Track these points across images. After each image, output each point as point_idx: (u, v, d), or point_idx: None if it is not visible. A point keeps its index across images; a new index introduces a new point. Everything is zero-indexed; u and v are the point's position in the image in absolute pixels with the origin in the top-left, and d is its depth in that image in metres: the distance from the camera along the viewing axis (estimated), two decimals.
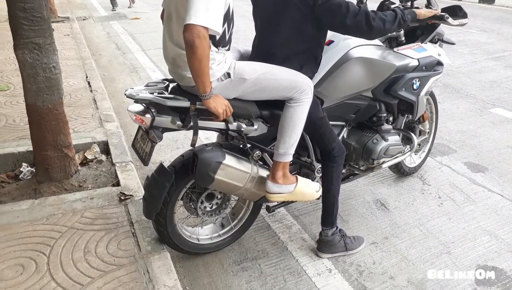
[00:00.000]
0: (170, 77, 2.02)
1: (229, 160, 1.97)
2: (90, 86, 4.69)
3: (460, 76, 5.43)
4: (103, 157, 3.18)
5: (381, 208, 2.77)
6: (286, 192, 2.08)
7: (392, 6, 2.43)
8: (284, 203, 2.39)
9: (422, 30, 2.58)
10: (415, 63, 2.45)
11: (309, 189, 2.16)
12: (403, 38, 2.48)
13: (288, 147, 1.99)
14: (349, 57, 2.20)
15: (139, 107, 1.80)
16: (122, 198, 2.58)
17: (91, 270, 2.01)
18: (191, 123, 1.81)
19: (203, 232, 2.34)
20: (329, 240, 2.31)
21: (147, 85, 1.89)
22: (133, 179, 2.84)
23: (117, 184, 2.81)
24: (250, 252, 2.37)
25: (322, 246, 2.33)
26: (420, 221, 2.64)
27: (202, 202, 2.18)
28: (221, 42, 1.79)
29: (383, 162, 2.53)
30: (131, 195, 2.61)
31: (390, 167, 2.95)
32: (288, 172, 2.09)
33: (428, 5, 2.50)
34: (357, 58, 2.21)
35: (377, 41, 2.38)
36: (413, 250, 2.38)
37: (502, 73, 5.61)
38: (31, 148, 2.84)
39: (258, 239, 2.47)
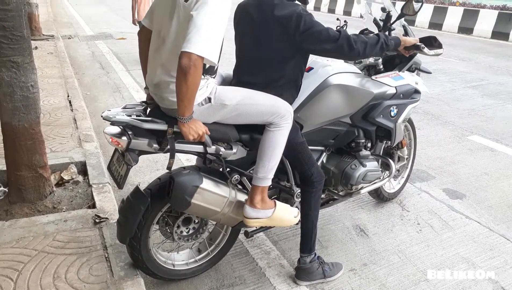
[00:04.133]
0: (147, 99, 2.01)
1: (207, 184, 1.94)
2: (71, 105, 4.63)
3: (439, 104, 5.55)
4: (80, 178, 3.11)
5: (360, 234, 2.76)
6: (264, 217, 2.05)
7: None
8: (263, 229, 2.37)
9: (400, 59, 2.64)
10: (393, 90, 2.49)
11: (287, 214, 2.14)
12: (381, 66, 2.55)
13: (267, 171, 1.98)
14: (328, 84, 2.23)
15: (116, 130, 1.78)
16: (97, 221, 2.52)
17: None
18: (168, 146, 1.80)
19: (179, 258, 2.29)
20: (307, 267, 2.27)
21: (124, 108, 1.87)
22: (109, 201, 2.77)
23: (93, 206, 2.74)
24: (227, 278, 2.32)
25: (300, 273, 2.29)
26: (399, 247, 2.63)
27: (178, 227, 2.14)
28: (209, 71, 1.81)
29: (361, 188, 2.55)
30: (106, 218, 2.55)
31: (370, 193, 2.98)
32: (267, 196, 2.07)
33: (405, 34, 2.57)
34: (335, 85, 2.25)
35: (355, 69, 2.44)
36: (391, 277, 2.37)
37: (480, 101, 5.76)
38: (5, 168, 2.76)
39: (235, 265, 2.42)
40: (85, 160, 3.28)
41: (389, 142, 2.65)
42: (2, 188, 2.85)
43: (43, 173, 2.75)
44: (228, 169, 2.04)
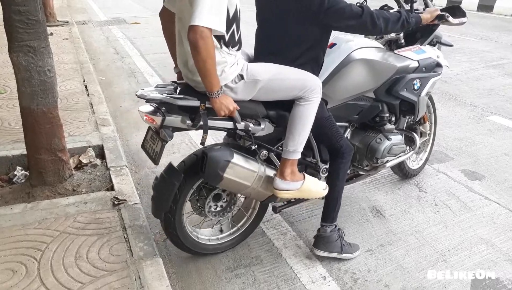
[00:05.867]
0: (177, 79, 2.10)
1: (237, 159, 2.01)
2: (87, 90, 4.67)
3: (458, 84, 5.43)
4: (98, 161, 3.16)
5: (377, 215, 2.75)
6: (294, 189, 2.11)
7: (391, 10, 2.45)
8: (291, 203, 2.42)
9: (421, 33, 2.64)
10: (415, 64, 2.51)
11: (316, 186, 2.19)
12: (402, 41, 2.55)
13: (297, 144, 2.04)
14: (351, 59, 2.26)
15: (150, 108, 1.85)
16: (116, 203, 2.56)
17: (82, 275, 1.98)
18: (201, 122, 1.86)
19: (214, 232, 2.37)
20: (327, 236, 2.30)
21: (157, 87, 1.93)
22: (127, 184, 2.81)
23: (111, 188, 2.79)
24: (244, 258, 2.35)
25: (319, 242, 2.32)
26: (416, 228, 2.61)
27: (209, 202, 2.21)
28: (231, 42, 1.83)
29: (387, 161, 2.59)
30: (124, 200, 2.59)
31: (394, 170, 3.03)
32: (296, 169, 2.13)
33: (426, 6, 2.57)
34: (359, 59, 2.28)
35: (377, 44, 2.45)
36: (408, 258, 2.36)
37: (500, 80, 5.61)
38: (25, 152, 2.81)
39: (252, 246, 2.44)
40: (103, 144, 3.32)
41: (413, 116, 2.67)
42: (23, 171, 2.92)
43: (62, 156, 2.80)
44: (256, 145, 2.09)
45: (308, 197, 2.23)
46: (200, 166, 1.96)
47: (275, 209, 2.40)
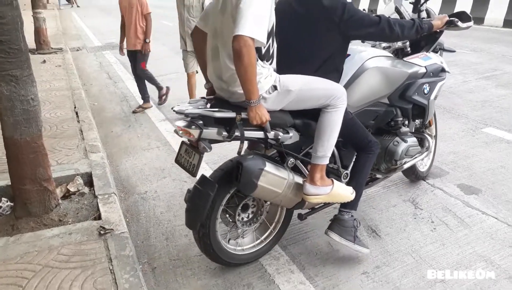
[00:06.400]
0: (206, 95, 2.25)
1: (269, 167, 2.08)
2: (77, 116, 4.64)
3: (451, 96, 5.40)
4: (86, 189, 3.10)
5: (372, 235, 2.67)
6: (324, 194, 2.20)
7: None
8: (315, 209, 2.50)
9: (426, 41, 2.81)
10: (423, 70, 2.67)
11: (344, 191, 2.29)
12: (409, 49, 2.73)
13: (326, 149, 2.14)
14: (365, 68, 2.40)
15: (185, 122, 1.93)
16: (102, 232, 2.48)
17: None
18: (236, 133, 1.94)
19: (246, 241, 2.41)
20: (344, 220, 2.33)
21: (189, 102, 2.04)
22: (115, 212, 2.74)
23: (99, 217, 2.71)
24: (235, 286, 2.26)
25: (335, 225, 2.34)
26: (412, 247, 2.53)
27: (239, 214, 2.29)
28: (266, 56, 1.97)
29: (405, 163, 2.72)
30: (111, 229, 2.51)
31: (407, 174, 3.18)
32: (325, 174, 2.21)
33: (428, 17, 2.76)
34: (373, 68, 2.42)
35: (387, 53, 2.62)
36: (405, 279, 2.28)
37: (493, 92, 5.59)
38: (10, 182, 2.75)
39: (243, 273, 2.36)
40: (91, 171, 3.26)
41: (422, 120, 2.84)
42: (8, 203, 2.85)
43: (48, 186, 2.73)
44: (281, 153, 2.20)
45: (336, 201, 2.31)
46: (235, 175, 2.01)
47: (300, 217, 2.46)
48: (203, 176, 2.09)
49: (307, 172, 2.28)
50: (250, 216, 2.34)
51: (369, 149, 2.35)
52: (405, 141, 2.65)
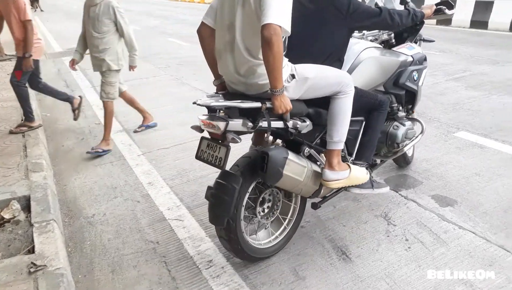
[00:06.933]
0: (217, 91, 2.31)
1: (291, 155, 2.13)
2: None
3: (422, 99, 5.17)
4: (22, 216, 2.73)
5: (342, 257, 2.42)
6: (344, 178, 2.29)
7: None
8: (327, 198, 2.55)
9: (408, 33, 2.98)
10: (411, 59, 2.86)
11: (361, 173, 2.40)
12: (393, 40, 2.90)
13: (341, 134, 2.24)
14: (361, 58, 2.56)
15: (206, 116, 1.96)
16: (32, 270, 2.14)
17: None
18: (260, 124, 1.98)
19: (262, 236, 2.41)
20: None
21: (207, 97, 2.05)
22: (51, 243, 2.39)
23: (33, 250, 2.36)
24: None
25: None
26: (386, 271, 2.30)
27: (257, 207, 2.30)
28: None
29: (405, 145, 2.85)
30: (44, 266, 2.17)
31: (398, 162, 3.38)
32: (341, 159, 2.32)
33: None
34: (369, 58, 2.59)
35: (377, 44, 2.77)
36: None
37: (464, 94, 5.49)
38: None
39: None
40: (30, 194, 2.90)
41: (411, 106, 3.06)
42: None
43: None
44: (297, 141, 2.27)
45: (355, 184, 2.39)
46: (261, 166, 2.02)
47: (314, 206, 2.50)
48: (225, 171, 2.09)
49: (322, 160, 2.35)
50: (266, 210, 2.36)
51: (379, 107, 2.51)
52: (404, 125, 2.82)
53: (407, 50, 2.88)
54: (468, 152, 3.74)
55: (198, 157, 2.15)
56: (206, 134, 2.11)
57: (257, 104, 1.97)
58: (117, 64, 3.92)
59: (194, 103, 1.98)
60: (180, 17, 18.49)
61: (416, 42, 3.07)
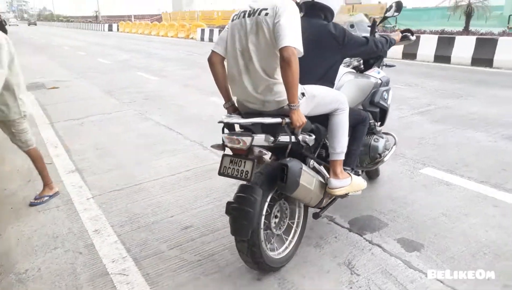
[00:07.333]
0: (228, 112, 2.53)
1: (304, 166, 2.35)
2: None
3: None
4: None
5: None
6: (347, 185, 2.60)
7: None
8: (325, 208, 2.75)
9: (374, 60, 3.33)
10: (380, 81, 3.23)
11: (360, 180, 2.75)
12: (362, 66, 3.30)
13: (343, 146, 2.57)
14: (343, 81, 2.96)
15: (229, 133, 2.22)
16: None
17: None
18: (279, 139, 2.23)
19: (278, 245, 2.54)
20: None
21: (227, 116, 2.35)
22: None
23: None
24: None
25: None
26: None
27: (273, 218, 2.47)
28: None
29: (385, 155, 3.26)
30: None
31: (371, 174, 3.70)
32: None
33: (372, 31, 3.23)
34: (349, 80, 3.00)
35: (351, 69, 3.16)
36: None
37: (429, 128, 5.48)
38: None
39: None
40: None
41: (380, 122, 3.39)
42: None
43: None
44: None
45: (356, 190, 2.70)
46: (280, 177, 2.20)
47: (316, 216, 2.74)
48: (244, 185, 2.26)
49: (323, 171, 2.60)
50: (277, 220, 2.51)
51: (363, 121, 2.84)
52: (382, 137, 3.26)
53: (376, 74, 3.26)
54: (434, 189, 3.63)
55: (221, 173, 2.29)
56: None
57: (278, 120, 2.19)
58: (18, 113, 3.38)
59: (220, 122, 2.28)
60: (152, 51, 18.46)
61: (379, 67, 3.41)
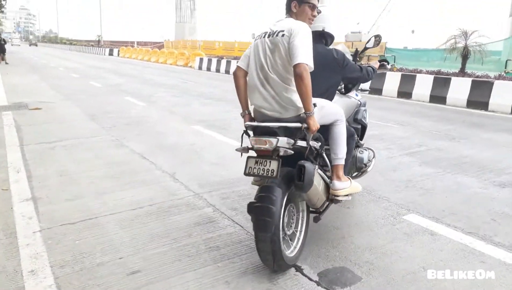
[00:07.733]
0: (247, 121, 2.81)
1: (315, 167, 2.66)
2: None
3: (373, 175, 4.84)
4: None
5: None
6: (348, 187, 2.95)
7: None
8: (324, 211, 2.99)
9: (352, 85, 3.70)
10: (359, 102, 3.69)
11: (357, 183, 3.13)
12: (343, 90, 3.67)
13: (343, 152, 2.94)
14: (333, 101, 3.22)
15: (256, 136, 2.54)
16: None
17: None
18: (297, 141, 2.55)
19: (290, 243, 2.77)
20: None
21: (250, 122, 2.70)
22: None
23: None
24: None
25: None
26: None
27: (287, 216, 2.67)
28: None
29: (369, 165, 3.68)
30: None
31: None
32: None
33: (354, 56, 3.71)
34: (337, 100, 3.36)
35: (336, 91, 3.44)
36: None
37: (418, 170, 5.18)
38: None
39: None
40: None
41: (359, 137, 3.78)
42: None
43: None
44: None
45: (355, 191, 3.08)
46: (298, 177, 2.44)
47: (316, 219, 2.97)
48: (263, 186, 2.50)
49: (325, 176, 2.95)
50: (287, 218, 2.69)
51: (352, 135, 3.21)
52: (366, 150, 3.67)
53: (355, 96, 3.71)
54: (417, 239, 3.29)
55: (247, 173, 2.51)
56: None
57: (298, 125, 2.53)
58: None
59: (246, 127, 2.69)
60: (146, 77, 18.41)
61: (356, 91, 3.86)
